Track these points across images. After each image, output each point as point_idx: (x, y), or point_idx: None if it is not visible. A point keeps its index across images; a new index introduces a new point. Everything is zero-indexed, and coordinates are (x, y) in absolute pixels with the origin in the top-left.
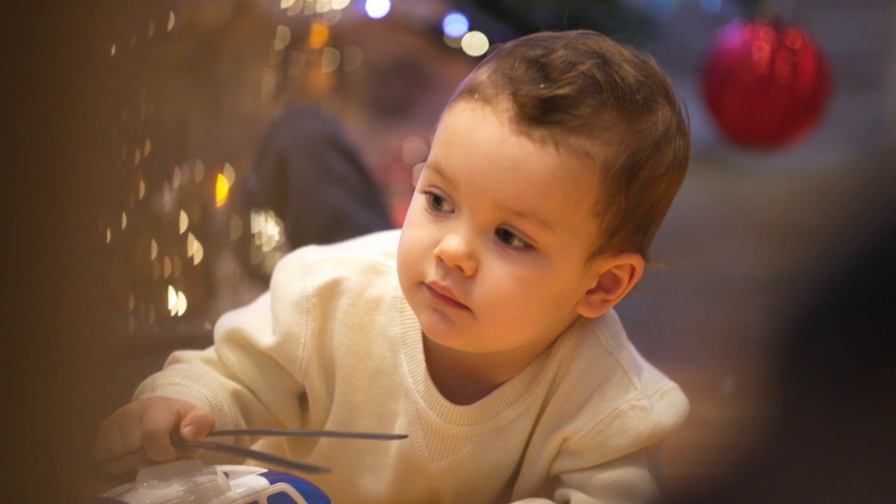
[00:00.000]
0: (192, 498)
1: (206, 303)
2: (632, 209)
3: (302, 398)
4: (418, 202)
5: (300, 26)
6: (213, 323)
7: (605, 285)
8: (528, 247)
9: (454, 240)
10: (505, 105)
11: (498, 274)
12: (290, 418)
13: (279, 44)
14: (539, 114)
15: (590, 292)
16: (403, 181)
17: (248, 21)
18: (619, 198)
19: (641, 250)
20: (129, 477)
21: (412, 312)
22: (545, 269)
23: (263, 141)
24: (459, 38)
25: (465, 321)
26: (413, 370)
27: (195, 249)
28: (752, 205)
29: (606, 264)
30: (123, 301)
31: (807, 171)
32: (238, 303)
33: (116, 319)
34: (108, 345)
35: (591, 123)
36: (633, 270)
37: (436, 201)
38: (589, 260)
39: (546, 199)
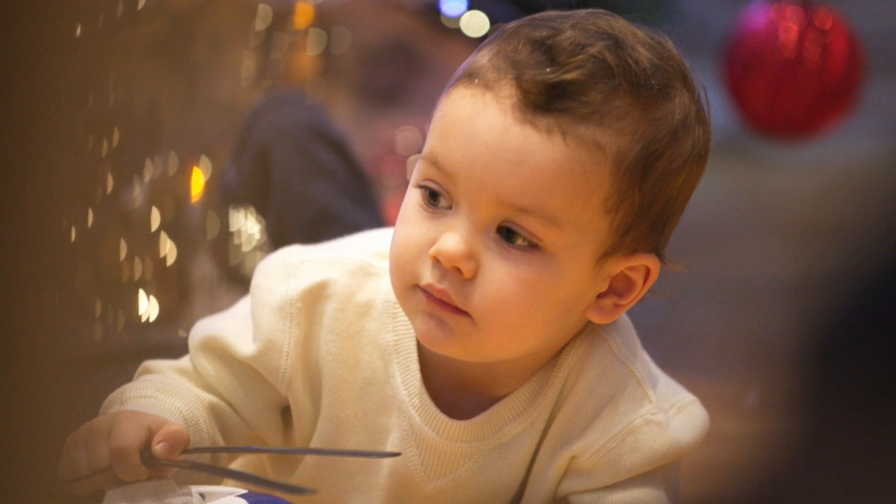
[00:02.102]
0: None
1: (179, 308)
2: (646, 205)
3: (285, 412)
4: (413, 197)
5: (283, 5)
6: (188, 330)
7: (618, 288)
8: (533, 246)
9: (452, 239)
10: (507, 91)
11: (500, 276)
12: (271, 434)
13: (260, 24)
14: (545, 101)
15: (600, 296)
16: (396, 174)
17: None
18: (632, 192)
19: (657, 250)
20: (97, 498)
21: (406, 318)
22: (551, 270)
23: (243, 130)
24: (458, 18)
25: (463, 328)
26: (407, 381)
27: (168, 249)
28: (779, 200)
29: (619, 265)
30: (90, 306)
31: (838, 163)
32: (215, 308)
33: (82, 326)
34: (73, 354)
35: (601, 111)
36: (647, 272)
37: (432, 196)
38: (600, 261)
39: (552, 193)
